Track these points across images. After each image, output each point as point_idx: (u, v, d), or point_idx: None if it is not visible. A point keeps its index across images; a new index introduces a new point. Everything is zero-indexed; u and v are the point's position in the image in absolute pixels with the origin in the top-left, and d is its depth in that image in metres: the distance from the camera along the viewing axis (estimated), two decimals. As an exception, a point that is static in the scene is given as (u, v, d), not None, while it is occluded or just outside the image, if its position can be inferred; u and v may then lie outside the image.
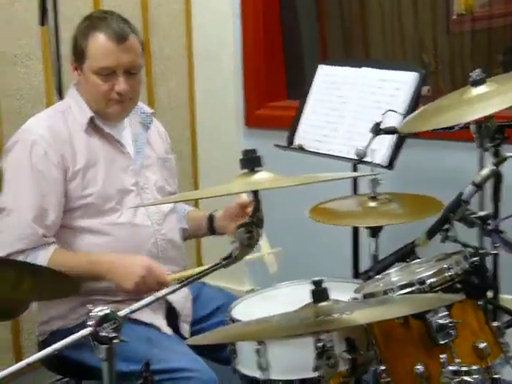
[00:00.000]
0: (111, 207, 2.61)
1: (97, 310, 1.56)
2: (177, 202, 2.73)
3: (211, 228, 2.84)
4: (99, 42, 2.56)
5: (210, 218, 2.83)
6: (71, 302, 2.55)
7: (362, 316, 1.81)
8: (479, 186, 2.05)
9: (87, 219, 2.58)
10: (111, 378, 1.56)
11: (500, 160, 2.02)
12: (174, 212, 2.81)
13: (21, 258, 2.47)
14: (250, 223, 1.64)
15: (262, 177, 1.69)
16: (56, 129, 2.58)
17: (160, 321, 2.62)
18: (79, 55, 2.60)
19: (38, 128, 2.59)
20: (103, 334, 1.55)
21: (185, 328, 2.71)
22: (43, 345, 2.67)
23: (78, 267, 2.49)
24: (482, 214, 2.04)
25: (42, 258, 2.50)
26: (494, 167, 2.00)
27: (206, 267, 1.70)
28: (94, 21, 2.61)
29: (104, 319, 1.55)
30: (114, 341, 1.55)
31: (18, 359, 3.63)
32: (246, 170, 1.69)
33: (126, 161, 2.68)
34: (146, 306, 1.60)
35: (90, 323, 1.55)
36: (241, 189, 1.66)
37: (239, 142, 4.26)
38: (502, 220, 2.02)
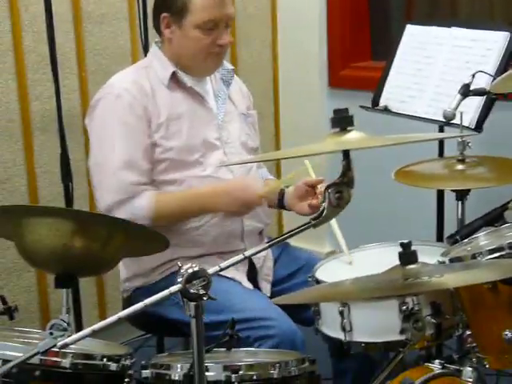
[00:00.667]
0: (195, 160, 2.61)
1: (186, 267, 1.57)
2: (263, 161, 2.73)
3: (281, 203, 2.83)
4: None
5: (281, 193, 2.83)
6: (155, 259, 2.58)
7: (451, 280, 1.78)
8: None
9: (171, 172, 2.59)
10: (199, 334, 1.56)
11: None
12: (258, 168, 2.82)
13: (121, 209, 2.49)
14: (340, 183, 1.62)
15: (353, 136, 1.67)
16: (139, 82, 2.59)
17: (241, 276, 2.63)
18: (179, 11, 2.57)
19: (122, 82, 2.60)
20: (192, 291, 1.55)
21: (265, 286, 2.72)
22: (127, 301, 2.72)
23: (182, 205, 2.55)
24: None
25: (140, 205, 2.51)
26: None
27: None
28: None
29: (193, 276, 1.55)
30: (203, 298, 1.55)
31: (102, 315, 3.71)
32: (336, 129, 1.66)
33: (208, 115, 2.69)
34: (234, 264, 1.60)
35: (179, 280, 1.55)
36: (331, 148, 1.63)
37: (322, 102, 4.23)
38: None
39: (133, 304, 2.55)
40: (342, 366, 2.70)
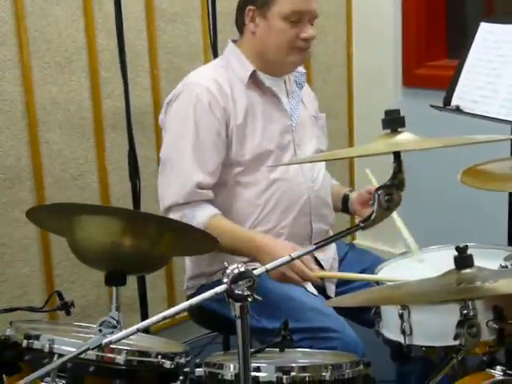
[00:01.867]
0: (268, 162, 2.61)
1: (232, 267, 1.56)
2: (320, 160, 2.70)
3: (345, 208, 2.85)
4: None
5: (345, 198, 2.84)
6: (220, 260, 2.59)
7: (505, 285, 1.73)
8: None
9: (244, 174, 2.60)
10: (244, 335, 1.56)
11: None
12: (325, 171, 2.80)
13: (178, 213, 2.50)
14: (391, 185, 1.59)
15: (404, 138, 1.64)
16: (219, 82, 2.59)
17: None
18: (265, 2, 2.57)
19: (203, 80, 2.59)
20: (238, 291, 1.55)
21: (331, 288, 2.70)
22: (190, 298, 2.73)
23: (232, 240, 2.51)
24: None
25: (199, 218, 2.50)
26: None
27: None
28: None
29: (239, 277, 1.55)
30: (248, 299, 1.54)
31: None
32: (387, 131, 1.64)
33: (283, 116, 2.69)
34: (280, 266, 1.58)
35: (224, 280, 1.55)
36: (382, 149, 1.60)
37: (396, 101, 4.18)
38: None
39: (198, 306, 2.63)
40: (405, 369, 2.67)
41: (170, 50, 3.60)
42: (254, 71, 2.62)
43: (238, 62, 2.65)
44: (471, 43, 3.21)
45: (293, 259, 1.60)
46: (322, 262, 2.69)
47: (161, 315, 1.54)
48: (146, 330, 3.19)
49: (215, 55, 3.20)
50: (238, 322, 1.56)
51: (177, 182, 2.54)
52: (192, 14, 3.65)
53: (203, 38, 3.66)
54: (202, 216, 2.50)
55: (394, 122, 1.63)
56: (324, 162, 2.78)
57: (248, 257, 2.52)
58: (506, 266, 2.08)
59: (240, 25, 2.67)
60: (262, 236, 2.54)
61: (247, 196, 2.60)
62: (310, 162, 2.59)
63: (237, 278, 1.55)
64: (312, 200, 2.68)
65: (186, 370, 2.06)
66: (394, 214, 2.58)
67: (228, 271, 1.56)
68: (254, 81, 2.64)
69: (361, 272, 2.69)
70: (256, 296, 1.55)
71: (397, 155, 1.59)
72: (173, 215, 2.50)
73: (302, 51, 2.63)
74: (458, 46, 4.05)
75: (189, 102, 2.56)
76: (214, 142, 2.54)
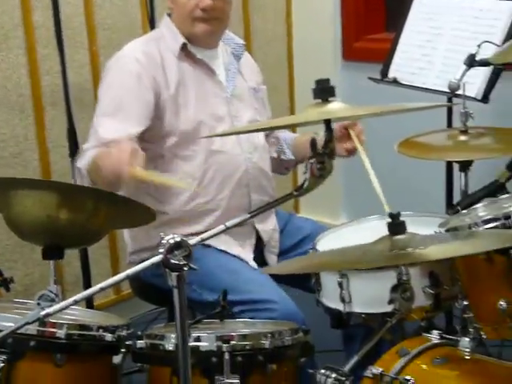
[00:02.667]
0: (203, 133, 2.60)
1: (168, 237, 1.58)
2: (253, 131, 2.71)
3: (314, 150, 2.81)
4: None
5: (313, 142, 2.80)
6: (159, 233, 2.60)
7: (438, 251, 1.77)
8: None
9: (180, 147, 2.59)
10: (182, 304, 1.58)
11: None
12: (265, 141, 2.82)
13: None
14: (322, 154, 1.62)
15: (334, 106, 1.67)
16: (149, 53, 2.60)
17: (247, 254, 2.65)
18: None
19: (132, 51, 2.61)
20: (174, 261, 1.57)
21: (272, 259, 2.73)
22: (134, 274, 2.74)
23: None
24: None
25: (89, 154, 2.44)
26: None
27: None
28: None
29: (175, 247, 1.57)
30: (184, 268, 1.56)
31: (116, 287, 3.75)
32: (318, 100, 1.66)
33: (217, 88, 2.69)
34: (215, 235, 1.61)
35: (161, 250, 1.57)
36: (313, 118, 1.63)
37: (336, 74, 4.21)
38: None
39: (139, 276, 2.63)
40: (349, 332, 2.70)
41: (108, 25, 3.57)
42: (184, 44, 2.63)
43: (171, 34, 2.65)
44: (406, 16, 3.25)
45: (227, 228, 1.62)
46: (262, 233, 2.71)
47: (97, 286, 1.56)
48: (90, 307, 3.21)
49: (153, 29, 3.18)
50: (175, 292, 1.58)
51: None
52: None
53: (141, 12, 3.64)
54: (90, 153, 2.44)
55: (324, 91, 1.66)
56: (263, 134, 2.79)
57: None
58: (440, 232, 2.13)
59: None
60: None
61: (185, 169, 2.60)
62: (245, 132, 2.60)
63: (173, 248, 1.57)
64: (250, 171, 2.68)
65: (127, 342, 2.08)
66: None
67: (164, 241, 1.58)
68: (186, 53, 2.64)
69: (303, 239, 2.72)
70: (192, 265, 1.57)
71: (328, 123, 1.62)
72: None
73: (206, 21, 2.61)
74: (396, 18, 4.09)
75: (119, 73, 2.57)
76: (138, 106, 2.53)
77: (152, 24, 3.20)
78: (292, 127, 2.85)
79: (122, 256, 3.68)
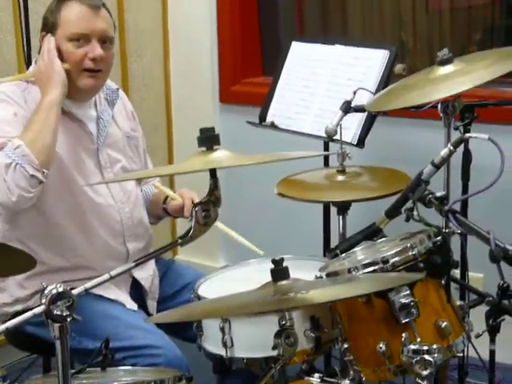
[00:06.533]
0: (77, 188, 2.56)
1: (50, 287, 1.55)
2: (135, 179, 2.72)
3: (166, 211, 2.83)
4: (73, 8, 2.53)
5: (165, 210, 2.82)
6: (33, 285, 2.55)
7: (319, 295, 1.80)
8: (438, 166, 2.03)
9: (53, 201, 2.53)
10: (64, 356, 1.55)
11: (458, 141, 1.99)
12: (139, 189, 2.79)
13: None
14: (207, 202, 1.63)
15: (219, 155, 1.68)
16: (18, 103, 2.52)
17: (125, 297, 2.62)
18: (51, 26, 2.55)
19: (8, 94, 2.53)
20: (57, 312, 1.53)
21: (152, 305, 2.71)
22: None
23: (39, 115, 2.44)
24: (439, 194, 2.03)
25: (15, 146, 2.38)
26: (453, 148, 1.98)
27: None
28: None
29: (57, 297, 1.54)
30: (68, 319, 1.53)
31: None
32: (203, 148, 1.67)
33: (86, 140, 2.64)
34: (99, 284, 1.59)
35: (43, 301, 1.53)
36: (199, 167, 1.64)
37: (214, 117, 4.24)
38: (456, 202, 1.99)
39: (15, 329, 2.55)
40: (226, 382, 2.70)
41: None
42: None
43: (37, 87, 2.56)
44: (284, 61, 3.31)
45: (112, 277, 1.60)
46: (142, 281, 2.69)
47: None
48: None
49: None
50: (58, 343, 1.55)
51: None
52: (4, 28, 3.56)
53: (17, 53, 3.57)
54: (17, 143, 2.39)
55: (209, 139, 1.67)
56: (134, 182, 2.76)
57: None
58: (321, 277, 2.16)
59: (39, 49, 2.62)
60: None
61: (59, 222, 2.56)
62: (125, 180, 2.59)
63: (55, 299, 1.54)
64: (124, 221, 2.66)
65: (4, 395, 2.01)
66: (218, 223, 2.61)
67: (46, 292, 1.55)
68: None
69: (184, 287, 2.71)
70: (76, 316, 1.54)
71: (213, 172, 1.63)
72: None
73: (94, 75, 2.56)
74: (273, 63, 4.17)
75: None
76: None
77: (28, 65, 3.14)
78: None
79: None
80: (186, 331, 2.50)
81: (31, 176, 2.34)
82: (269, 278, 1.90)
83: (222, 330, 2.18)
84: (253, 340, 2.18)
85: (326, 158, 3.22)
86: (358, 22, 4.38)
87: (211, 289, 2.39)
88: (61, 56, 2.54)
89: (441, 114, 2.45)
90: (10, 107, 2.51)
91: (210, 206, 1.62)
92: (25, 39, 3.21)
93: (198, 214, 1.62)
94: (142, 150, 2.87)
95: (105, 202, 2.62)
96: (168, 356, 2.39)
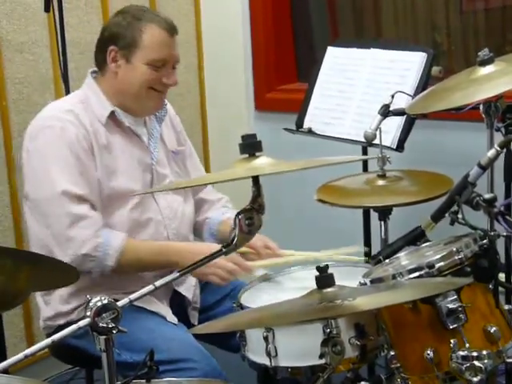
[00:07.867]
0: (130, 203, 2.57)
1: (95, 300, 1.54)
2: (171, 189, 2.71)
3: None
4: (155, 32, 2.53)
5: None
6: (76, 300, 2.55)
7: (366, 302, 1.77)
8: (485, 168, 2.00)
9: (109, 215, 2.54)
10: (110, 368, 1.54)
11: (505, 141, 1.96)
12: (186, 206, 2.77)
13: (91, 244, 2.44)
14: (251, 209, 1.60)
15: (262, 162, 1.66)
16: (79, 117, 2.52)
17: (165, 310, 2.60)
18: (128, 45, 2.53)
19: (63, 114, 2.52)
20: (102, 324, 1.52)
21: (194, 316, 2.70)
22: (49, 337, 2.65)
23: (152, 255, 2.52)
24: (487, 196, 1.99)
25: (114, 240, 2.46)
26: (500, 149, 1.95)
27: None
28: (139, 13, 2.57)
29: (102, 309, 1.52)
30: (113, 331, 1.52)
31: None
32: (245, 155, 1.65)
33: (144, 155, 2.65)
34: (144, 295, 1.57)
35: (88, 314, 1.52)
36: (241, 174, 1.62)
37: (249, 125, 4.23)
38: (506, 203, 1.95)
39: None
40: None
41: (18, 80, 3.51)
42: (112, 111, 2.57)
43: (97, 99, 2.58)
44: (320, 67, 3.30)
45: (156, 288, 1.58)
46: (184, 292, 2.68)
47: (21, 354, 1.50)
48: (4, 371, 3.09)
49: (66, 84, 3.13)
50: (104, 356, 1.54)
51: (63, 218, 2.44)
52: (40, 43, 3.57)
53: (52, 67, 3.58)
54: (115, 240, 2.46)
55: (251, 146, 1.65)
56: (184, 200, 2.75)
57: (169, 266, 2.46)
58: (366, 283, 2.13)
59: (100, 62, 2.60)
60: (174, 242, 2.62)
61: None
62: (159, 191, 2.60)
63: (100, 311, 1.53)
64: (171, 237, 2.65)
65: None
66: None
67: (91, 304, 1.54)
68: (113, 120, 2.58)
69: (225, 296, 2.69)
70: (121, 328, 1.53)
71: (255, 179, 1.61)
72: (85, 250, 2.43)
73: (161, 94, 2.61)
74: (307, 69, 4.15)
75: (56, 135, 2.47)
76: (85, 170, 2.48)
77: (65, 79, 3.15)
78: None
79: (36, 317, 3.57)
80: (229, 341, 2.47)
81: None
82: (311, 286, 1.88)
83: (266, 339, 2.15)
84: (297, 348, 2.15)
85: (365, 163, 3.20)
86: (391, 24, 4.35)
87: (253, 297, 2.37)
88: (131, 73, 2.55)
89: (483, 116, 2.42)
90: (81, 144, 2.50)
91: (253, 213, 1.60)
92: (61, 53, 3.20)
93: (242, 223, 1.60)
94: (188, 162, 2.85)
95: (154, 217, 2.62)
96: (205, 369, 2.37)
